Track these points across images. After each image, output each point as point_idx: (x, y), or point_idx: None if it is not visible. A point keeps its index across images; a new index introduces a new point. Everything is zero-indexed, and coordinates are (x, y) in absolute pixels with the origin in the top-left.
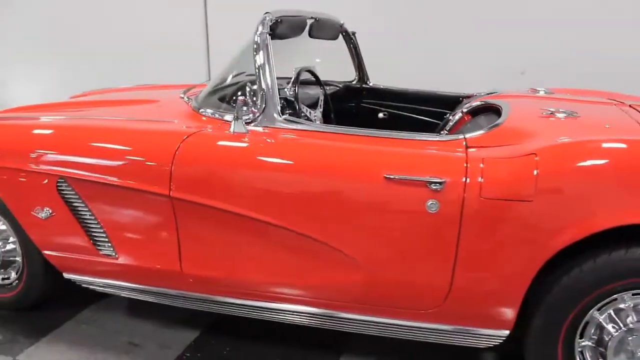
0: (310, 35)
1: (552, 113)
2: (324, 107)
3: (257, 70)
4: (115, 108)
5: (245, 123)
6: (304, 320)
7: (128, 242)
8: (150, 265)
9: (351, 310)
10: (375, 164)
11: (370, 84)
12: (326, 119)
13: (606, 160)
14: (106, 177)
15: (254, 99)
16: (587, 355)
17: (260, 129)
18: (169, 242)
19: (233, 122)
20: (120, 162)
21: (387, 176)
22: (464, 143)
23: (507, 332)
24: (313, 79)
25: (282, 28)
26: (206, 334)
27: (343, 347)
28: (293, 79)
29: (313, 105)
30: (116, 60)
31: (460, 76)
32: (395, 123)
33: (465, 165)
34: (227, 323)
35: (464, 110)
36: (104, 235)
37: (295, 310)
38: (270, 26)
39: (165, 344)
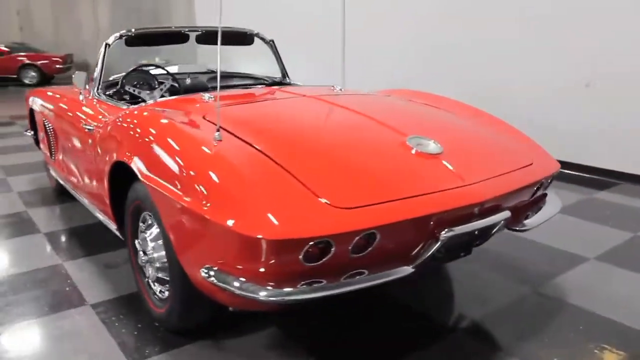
0: (199, 42)
1: (203, 96)
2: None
3: (96, 65)
4: None
5: (86, 95)
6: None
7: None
8: (54, 163)
9: None
10: (88, 119)
11: (288, 80)
12: None
13: (123, 122)
14: (49, 117)
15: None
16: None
17: (93, 99)
18: (56, 149)
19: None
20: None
21: (83, 126)
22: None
23: (115, 226)
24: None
25: (135, 39)
26: None
27: None
28: (130, 70)
29: (154, 88)
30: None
31: None
32: None
33: (100, 117)
34: None
35: None
36: (54, 146)
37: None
38: (125, 39)
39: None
